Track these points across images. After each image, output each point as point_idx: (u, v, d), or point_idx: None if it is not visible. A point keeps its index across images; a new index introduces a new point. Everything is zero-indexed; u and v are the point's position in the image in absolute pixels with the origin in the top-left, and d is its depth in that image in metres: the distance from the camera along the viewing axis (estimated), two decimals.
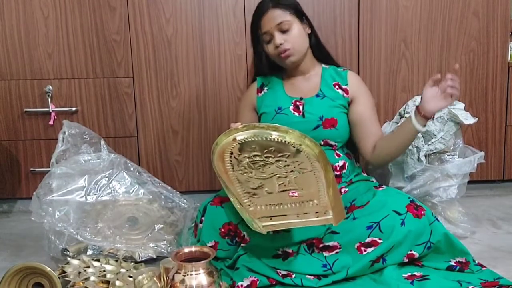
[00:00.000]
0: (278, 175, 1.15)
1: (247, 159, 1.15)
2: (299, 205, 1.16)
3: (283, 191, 1.15)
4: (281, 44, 1.34)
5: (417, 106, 1.27)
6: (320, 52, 1.47)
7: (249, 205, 1.17)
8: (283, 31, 1.35)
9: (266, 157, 1.16)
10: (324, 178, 1.11)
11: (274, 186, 1.15)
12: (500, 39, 1.86)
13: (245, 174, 1.15)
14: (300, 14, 1.40)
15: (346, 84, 1.42)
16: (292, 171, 1.14)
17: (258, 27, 1.38)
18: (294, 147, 1.09)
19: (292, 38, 1.35)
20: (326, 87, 1.42)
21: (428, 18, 1.84)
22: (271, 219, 1.16)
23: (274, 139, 1.09)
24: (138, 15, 1.79)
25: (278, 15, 1.35)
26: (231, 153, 1.15)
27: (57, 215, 1.32)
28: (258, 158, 1.16)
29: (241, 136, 1.13)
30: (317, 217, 1.16)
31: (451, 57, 1.87)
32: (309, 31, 1.42)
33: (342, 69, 1.46)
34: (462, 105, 1.57)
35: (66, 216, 1.33)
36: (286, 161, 1.15)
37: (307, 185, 1.14)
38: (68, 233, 1.30)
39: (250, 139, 1.11)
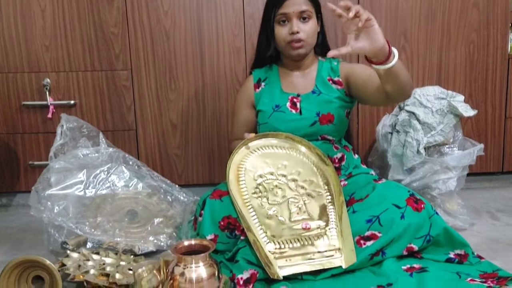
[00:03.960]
0: (291, 199, 1.17)
1: (261, 179, 1.18)
2: (311, 241, 1.17)
3: (296, 221, 1.18)
4: (297, 32, 1.33)
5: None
6: (322, 49, 1.46)
7: (264, 238, 1.18)
8: (302, 21, 1.34)
9: (279, 174, 1.19)
10: (336, 203, 1.17)
11: (287, 214, 1.18)
12: (500, 31, 1.85)
13: (259, 198, 1.17)
14: (319, 13, 1.40)
15: (338, 76, 1.41)
16: (304, 194, 1.16)
17: (277, 6, 1.35)
18: (303, 156, 1.14)
19: (308, 30, 1.35)
20: (321, 83, 1.41)
21: (428, 10, 1.83)
22: (286, 260, 1.16)
23: (287, 146, 1.15)
24: (136, 8, 1.77)
25: (303, 2, 1.34)
26: (245, 170, 1.19)
27: (56, 209, 1.32)
28: (271, 176, 1.19)
29: (253, 143, 1.18)
30: (327, 257, 1.16)
31: (451, 49, 1.86)
32: (319, 30, 1.42)
33: (336, 62, 1.45)
34: (461, 97, 1.56)
35: (65, 211, 1.33)
36: (298, 179, 1.18)
37: (318, 214, 1.17)
38: (68, 227, 1.30)
39: (262, 147, 1.16)
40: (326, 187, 1.24)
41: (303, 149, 1.27)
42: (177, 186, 1.58)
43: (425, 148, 1.53)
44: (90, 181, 1.40)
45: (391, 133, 1.64)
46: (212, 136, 1.88)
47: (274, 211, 1.19)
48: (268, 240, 1.17)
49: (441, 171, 1.52)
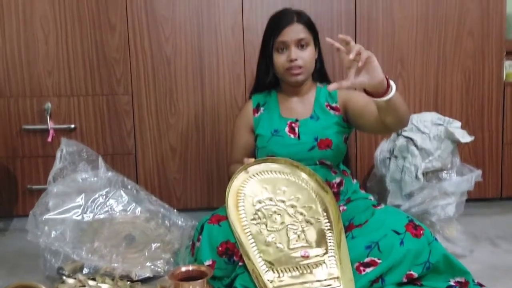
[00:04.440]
0: (289, 226, 1.17)
1: (259, 204, 1.18)
2: (309, 270, 1.17)
3: (294, 248, 1.17)
4: (295, 59, 1.36)
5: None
6: (319, 75, 1.48)
7: (263, 266, 1.17)
8: (300, 48, 1.37)
9: (278, 200, 1.19)
10: (335, 230, 1.17)
11: (286, 241, 1.18)
12: (495, 58, 1.89)
13: (257, 225, 1.17)
14: (317, 40, 1.43)
15: (336, 102, 1.43)
16: (303, 221, 1.17)
17: (276, 34, 1.38)
18: (302, 181, 1.14)
19: (306, 57, 1.37)
20: (319, 109, 1.43)
21: (424, 38, 1.87)
22: None
23: (286, 172, 1.15)
24: (138, 34, 1.81)
25: (301, 31, 1.37)
26: (244, 196, 1.19)
27: (53, 234, 1.31)
28: (270, 202, 1.19)
29: (252, 167, 1.18)
30: (326, 286, 1.15)
31: (447, 76, 1.89)
32: (316, 56, 1.44)
33: None
34: (458, 124, 1.58)
35: (62, 235, 1.32)
36: (296, 206, 1.18)
37: (317, 241, 1.17)
38: (64, 252, 1.29)
39: (261, 172, 1.16)
40: (325, 213, 1.23)
41: (302, 175, 1.28)
42: (175, 210, 1.58)
43: (423, 174, 1.54)
44: (88, 206, 1.39)
45: (389, 159, 1.65)
46: (211, 160, 1.89)
47: (272, 238, 1.18)
48: (267, 269, 1.16)
49: (440, 196, 1.52)
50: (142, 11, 1.80)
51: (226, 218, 1.23)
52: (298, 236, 1.19)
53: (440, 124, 1.58)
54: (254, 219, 1.20)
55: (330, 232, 1.21)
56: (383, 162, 1.67)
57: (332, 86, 1.08)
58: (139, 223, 1.44)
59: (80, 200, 1.39)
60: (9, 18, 1.78)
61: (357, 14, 1.84)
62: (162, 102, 1.85)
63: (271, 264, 1.16)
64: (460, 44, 1.87)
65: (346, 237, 1.23)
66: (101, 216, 1.40)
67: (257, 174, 1.26)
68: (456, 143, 1.55)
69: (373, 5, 1.84)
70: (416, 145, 1.56)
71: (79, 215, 1.37)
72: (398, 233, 1.19)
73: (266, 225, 1.19)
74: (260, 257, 1.17)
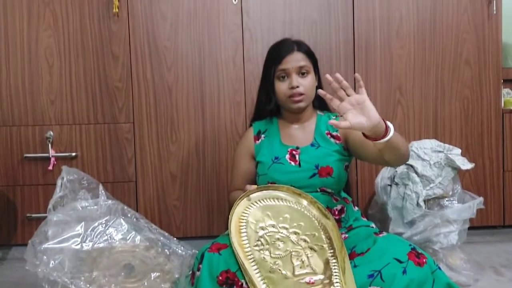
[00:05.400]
0: (293, 253, 1.16)
1: (262, 231, 1.17)
2: None
3: (299, 275, 1.16)
4: (297, 87, 1.38)
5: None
6: (320, 103, 1.51)
7: None
8: (301, 76, 1.40)
9: (281, 227, 1.19)
10: (339, 257, 1.16)
11: (290, 268, 1.16)
12: (492, 86, 1.91)
13: (261, 251, 1.16)
14: (316, 68, 1.47)
15: (336, 131, 1.45)
16: (306, 247, 1.16)
17: (277, 63, 1.41)
18: (305, 209, 1.13)
19: (307, 84, 1.41)
20: (319, 137, 1.44)
21: (422, 67, 1.90)
22: None
23: (286, 199, 1.14)
24: (140, 64, 1.84)
25: (302, 59, 1.41)
26: (246, 222, 1.17)
27: (52, 264, 1.29)
28: (273, 229, 1.19)
29: (255, 194, 1.18)
30: None
31: (445, 103, 1.91)
32: (317, 84, 1.47)
33: (334, 116, 1.49)
34: (458, 151, 1.58)
35: (60, 265, 1.30)
36: (299, 232, 1.17)
37: (322, 268, 1.16)
38: (62, 283, 1.27)
39: (263, 199, 1.16)
40: (328, 240, 1.22)
41: (304, 202, 1.27)
42: (175, 239, 1.56)
43: (424, 201, 1.53)
44: (88, 234, 1.38)
45: (390, 186, 1.65)
46: (212, 188, 1.89)
47: (277, 264, 1.17)
48: None
49: (442, 224, 1.50)
50: (145, 42, 1.84)
51: (226, 246, 1.22)
52: (303, 262, 1.17)
53: (440, 151, 1.59)
54: (257, 245, 1.19)
55: (334, 259, 1.19)
56: (384, 189, 1.67)
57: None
58: (138, 252, 1.42)
59: (79, 228, 1.38)
60: (14, 49, 1.82)
61: (355, 43, 1.88)
62: (163, 130, 1.86)
63: None
64: (458, 72, 1.90)
65: None
66: (101, 245, 1.38)
67: (259, 201, 1.25)
68: (457, 170, 1.55)
69: (371, 35, 1.88)
70: (416, 172, 1.56)
71: (78, 244, 1.36)
72: (400, 262, 1.17)
73: (270, 252, 1.18)
74: (264, 283, 1.15)
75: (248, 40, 1.85)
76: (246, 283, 1.22)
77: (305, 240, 1.21)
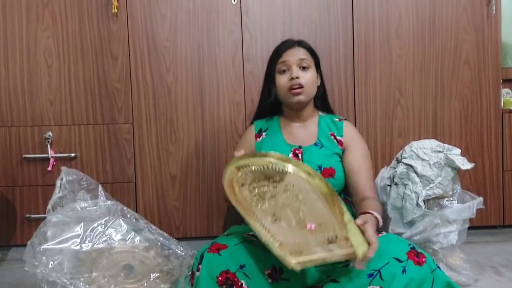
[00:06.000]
0: (290, 207, 1.14)
1: (256, 189, 1.15)
2: (321, 238, 1.12)
3: (299, 223, 1.14)
4: (297, 77, 1.39)
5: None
6: (322, 102, 1.51)
7: (273, 240, 1.12)
8: (302, 68, 1.42)
9: (273, 187, 1.16)
10: (332, 210, 1.13)
11: (290, 219, 1.15)
12: (492, 87, 1.91)
13: (259, 205, 1.14)
14: (318, 66, 1.48)
15: (341, 136, 1.45)
16: (302, 201, 1.14)
17: (278, 56, 1.44)
18: (293, 173, 1.11)
19: (307, 78, 1.42)
20: (323, 137, 1.45)
21: (421, 67, 1.90)
22: (300, 254, 1.10)
23: (274, 168, 1.12)
24: (139, 64, 1.84)
25: (302, 53, 1.44)
26: (242, 184, 1.16)
27: (51, 264, 1.29)
28: (265, 188, 1.16)
29: (242, 162, 1.15)
30: (342, 249, 1.11)
31: (445, 103, 1.91)
32: (319, 83, 1.48)
33: (338, 119, 1.49)
34: (458, 151, 1.58)
35: (60, 266, 1.30)
36: (291, 190, 1.15)
37: (320, 216, 1.14)
38: (62, 284, 1.27)
39: (250, 167, 1.14)
40: (318, 193, 1.18)
41: (290, 166, 1.23)
42: (174, 239, 1.56)
43: (424, 201, 1.53)
44: (87, 235, 1.38)
45: (390, 186, 1.64)
46: (211, 188, 1.88)
47: (276, 215, 1.14)
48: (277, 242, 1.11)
49: (442, 224, 1.50)
50: (144, 43, 1.84)
51: (226, 247, 1.21)
52: (302, 214, 1.14)
53: (439, 151, 1.59)
54: (254, 201, 1.15)
55: (329, 209, 1.16)
56: (384, 189, 1.66)
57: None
58: (138, 252, 1.42)
59: (79, 229, 1.38)
60: (13, 49, 1.82)
61: (355, 43, 1.88)
62: (163, 131, 1.86)
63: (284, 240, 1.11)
64: (457, 72, 1.90)
65: (348, 266, 1.21)
66: (100, 246, 1.38)
67: (245, 165, 1.21)
68: (457, 170, 1.55)
69: (371, 35, 1.88)
70: (416, 172, 1.56)
71: (77, 245, 1.36)
72: (400, 261, 1.17)
73: (268, 206, 1.15)
74: (270, 234, 1.12)
75: (248, 40, 1.85)
76: (246, 283, 1.22)
77: (297, 195, 1.17)
